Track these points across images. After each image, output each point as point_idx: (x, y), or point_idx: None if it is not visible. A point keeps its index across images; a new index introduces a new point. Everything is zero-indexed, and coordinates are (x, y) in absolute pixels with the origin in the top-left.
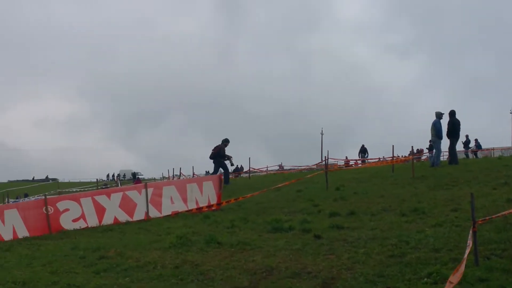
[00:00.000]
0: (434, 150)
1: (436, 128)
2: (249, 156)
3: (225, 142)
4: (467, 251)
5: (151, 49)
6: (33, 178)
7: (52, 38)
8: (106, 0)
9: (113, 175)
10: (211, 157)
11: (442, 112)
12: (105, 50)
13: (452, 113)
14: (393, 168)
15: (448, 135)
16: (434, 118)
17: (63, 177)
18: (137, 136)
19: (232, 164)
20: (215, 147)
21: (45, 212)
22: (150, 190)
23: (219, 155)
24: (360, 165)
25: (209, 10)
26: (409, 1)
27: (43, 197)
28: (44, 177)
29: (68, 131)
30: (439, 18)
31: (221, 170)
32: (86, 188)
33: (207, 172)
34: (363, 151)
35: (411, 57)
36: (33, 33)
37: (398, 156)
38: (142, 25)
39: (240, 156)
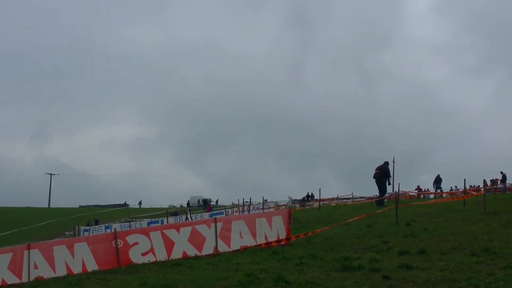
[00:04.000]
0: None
1: None
2: (319, 181)
3: (387, 163)
4: None
5: (220, 69)
6: (125, 202)
7: (120, 60)
8: (175, 20)
9: (187, 204)
10: (376, 177)
11: None
12: (173, 71)
13: None
14: (465, 202)
15: None
16: None
17: (133, 203)
18: (205, 160)
19: (389, 183)
20: (379, 167)
21: (114, 245)
22: (219, 225)
23: (386, 175)
24: (431, 196)
25: (277, 28)
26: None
27: (113, 229)
28: (116, 203)
29: (136, 155)
30: None
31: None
32: (156, 214)
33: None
34: (438, 181)
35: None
36: (101, 55)
37: (472, 186)
38: (211, 45)
39: (311, 183)
